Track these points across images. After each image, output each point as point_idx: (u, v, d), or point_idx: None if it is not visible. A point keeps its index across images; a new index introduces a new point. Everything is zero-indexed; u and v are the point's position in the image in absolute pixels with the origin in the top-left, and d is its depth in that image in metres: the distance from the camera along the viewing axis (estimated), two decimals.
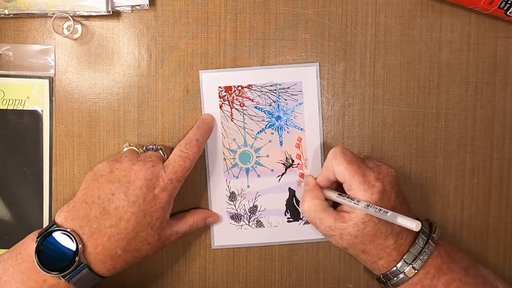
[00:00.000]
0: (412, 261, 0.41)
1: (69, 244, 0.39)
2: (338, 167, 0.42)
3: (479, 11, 0.48)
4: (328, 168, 0.43)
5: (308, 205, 0.44)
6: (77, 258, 0.39)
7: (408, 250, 0.42)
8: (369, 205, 0.40)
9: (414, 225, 0.38)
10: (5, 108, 0.49)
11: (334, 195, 0.44)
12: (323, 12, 0.49)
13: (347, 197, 0.42)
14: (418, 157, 0.50)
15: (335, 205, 0.45)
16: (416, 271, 0.41)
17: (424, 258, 0.41)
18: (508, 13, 0.46)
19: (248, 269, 0.51)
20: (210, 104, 0.49)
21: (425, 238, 0.42)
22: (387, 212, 0.39)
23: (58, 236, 0.40)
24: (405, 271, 0.42)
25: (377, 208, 0.40)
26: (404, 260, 0.42)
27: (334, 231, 0.42)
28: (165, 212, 0.42)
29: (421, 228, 0.42)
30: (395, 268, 0.42)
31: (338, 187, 0.45)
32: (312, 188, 0.45)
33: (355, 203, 0.41)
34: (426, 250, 0.42)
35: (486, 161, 0.51)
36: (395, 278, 0.42)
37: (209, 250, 0.50)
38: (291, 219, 0.50)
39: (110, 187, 0.41)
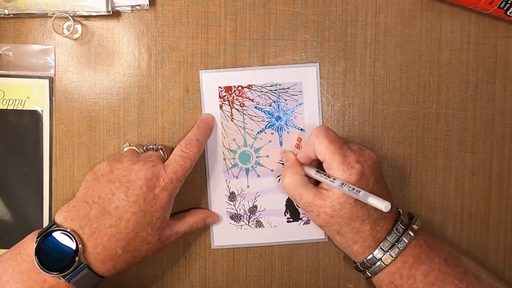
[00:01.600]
0: (389, 249, 0.42)
1: (69, 244, 0.39)
2: (320, 145, 0.42)
3: (479, 11, 0.48)
4: (310, 146, 0.43)
5: (288, 181, 0.44)
6: (77, 258, 0.39)
7: (385, 238, 0.42)
8: (343, 184, 0.40)
9: (383, 205, 0.38)
10: (5, 108, 0.49)
11: (312, 172, 0.44)
12: (323, 12, 0.49)
13: (324, 175, 0.43)
14: (418, 157, 0.50)
15: (316, 184, 0.45)
16: (393, 258, 0.41)
17: (402, 246, 0.41)
18: (508, 13, 0.46)
19: (248, 269, 0.51)
20: (210, 104, 0.49)
21: (402, 227, 0.42)
22: (359, 192, 0.39)
23: (58, 236, 0.40)
24: (382, 258, 0.42)
25: (351, 187, 0.40)
26: (380, 247, 0.42)
27: (312, 207, 0.42)
28: (165, 212, 0.42)
29: (397, 213, 0.43)
30: (371, 255, 0.42)
31: (319, 166, 0.46)
32: (292, 164, 0.45)
33: (331, 181, 0.41)
34: (403, 238, 0.42)
35: (486, 161, 0.51)
36: (373, 266, 0.42)
37: (209, 250, 0.50)
38: (291, 219, 0.50)
39: (110, 187, 0.41)
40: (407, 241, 0.42)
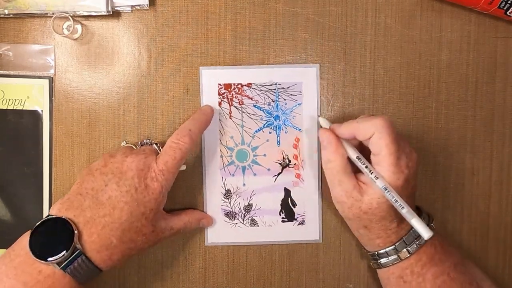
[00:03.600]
0: (409, 245, 0.41)
1: (64, 230, 0.39)
2: (380, 140, 0.39)
3: (479, 11, 0.48)
4: (363, 130, 0.41)
5: (332, 165, 0.41)
6: (74, 241, 0.38)
7: (407, 233, 0.42)
8: (387, 189, 0.39)
9: (427, 234, 0.38)
10: (5, 108, 0.49)
11: (353, 155, 0.42)
12: (323, 12, 0.49)
13: (366, 166, 0.41)
14: (418, 157, 0.50)
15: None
16: (409, 254, 0.41)
17: (421, 243, 0.41)
18: (508, 13, 0.46)
19: (247, 269, 0.51)
20: (209, 101, 0.49)
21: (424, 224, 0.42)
22: (403, 208, 0.39)
23: (52, 224, 0.39)
24: (399, 253, 0.42)
25: (394, 197, 0.39)
26: (403, 241, 0.41)
27: (348, 198, 0.41)
28: (158, 203, 0.42)
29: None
30: (392, 247, 0.42)
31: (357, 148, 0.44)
32: (337, 144, 0.42)
33: (373, 178, 0.40)
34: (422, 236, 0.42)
35: (486, 161, 0.51)
36: (388, 258, 0.42)
37: (209, 250, 0.50)
38: (286, 219, 0.50)
39: (103, 179, 0.41)
40: (425, 239, 0.41)
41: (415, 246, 0.41)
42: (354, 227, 0.44)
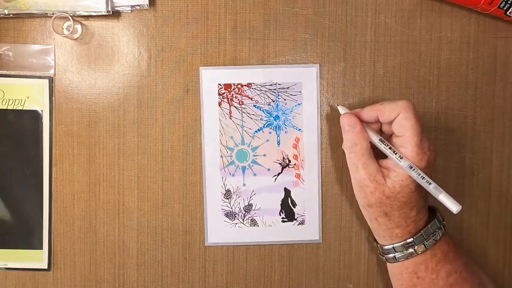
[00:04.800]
0: (426, 238, 0.41)
1: None
2: (406, 120, 0.40)
3: (479, 11, 0.48)
4: (388, 111, 0.41)
5: (358, 148, 0.41)
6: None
7: (425, 226, 0.42)
8: (412, 167, 0.39)
9: (455, 207, 0.38)
10: (5, 108, 0.49)
11: (375, 138, 0.42)
12: (323, 12, 0.49)
13: (389, 147, 0.41)
14: None
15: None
16: (426, 249, 0.41)
17: (436, 238, 0.41)
18: (508, 13, 0.46)
19: (248, 269, 0.51)
20: (209, 101, 0.49)
21: (440, 219, 0.43)
22: (430, 183, 0.39)
23: None
24: (415, 246, 0.41)
25: (420, 174, 0.39)
26: (422, 234, 0.41)
27: (371, 182, 0.41)
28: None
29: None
30: (410, 239, 0.41)
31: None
32: (361, 127, 0.42)
33: (397, 158, 0.40)
34: (438, 231, 0.42)
35: (486, 161, 0.51)
36: (403, 252, 0.42)
37: (209, 250, 0.50)
38: (286, 219, 0.50)
39: None
40: (441, 235, 0.42)
41: (432, 241, 0.41)
42: (373, 216, 0.42)
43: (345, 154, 0.43)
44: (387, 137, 0.43)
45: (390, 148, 0.41)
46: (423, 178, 0.39)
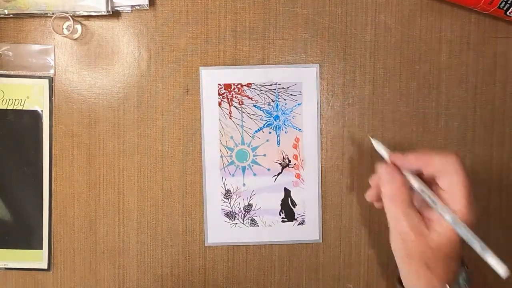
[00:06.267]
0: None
1: None
2: (458, 177, 0.37)
3: (479, 11, 0.48)
4: (437, 166, 0.38)
5: (398, 199, 0.38)
6: None
7: (462, 274, 0.39)
8: (462, 225, 0.36)
9: (503, 270, 0.35)
10: (5, 108, 0.49)
11: (416, 184, 0.38)
12: (323, 12, 0.49)
13: (433, 200, 0.37)
14: None
15: None
16: None
17: (469, 285, 0.39)
18: (508, 13, 0.46)
19: (247, 269, 0.51)
20: (209, 101, 0.49)
21: (469, 272, 0.40)
22: (475, 243, 0.36)
23: None
24: None
25: (468, 235, 0.36)
26: (459, 284, 0.38)
27: (413, 230, 0.37)
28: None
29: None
30: None
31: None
32: (402, 181, 0.39)
33: (441, 211, 0.37)
34: (466, 284, 0.39)
35: (486, 161, 0.51)
36: None
37: (208, 250, 0.50)
38: (286, 219, 0.50)
39: None
40: (471, 282, 0.39)
41: None
42: (413, 268, 0.38)
43: (383, 202, 0.40)
44: (426, 183, 0.40)
45: (433, 200, 0.37)
46: (468, 236, 0.36)
